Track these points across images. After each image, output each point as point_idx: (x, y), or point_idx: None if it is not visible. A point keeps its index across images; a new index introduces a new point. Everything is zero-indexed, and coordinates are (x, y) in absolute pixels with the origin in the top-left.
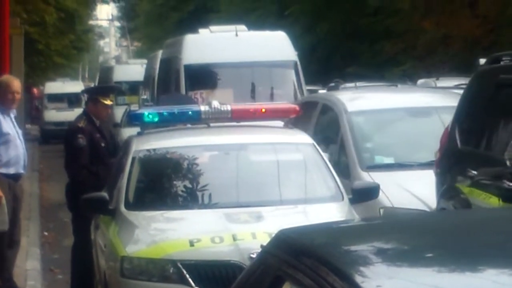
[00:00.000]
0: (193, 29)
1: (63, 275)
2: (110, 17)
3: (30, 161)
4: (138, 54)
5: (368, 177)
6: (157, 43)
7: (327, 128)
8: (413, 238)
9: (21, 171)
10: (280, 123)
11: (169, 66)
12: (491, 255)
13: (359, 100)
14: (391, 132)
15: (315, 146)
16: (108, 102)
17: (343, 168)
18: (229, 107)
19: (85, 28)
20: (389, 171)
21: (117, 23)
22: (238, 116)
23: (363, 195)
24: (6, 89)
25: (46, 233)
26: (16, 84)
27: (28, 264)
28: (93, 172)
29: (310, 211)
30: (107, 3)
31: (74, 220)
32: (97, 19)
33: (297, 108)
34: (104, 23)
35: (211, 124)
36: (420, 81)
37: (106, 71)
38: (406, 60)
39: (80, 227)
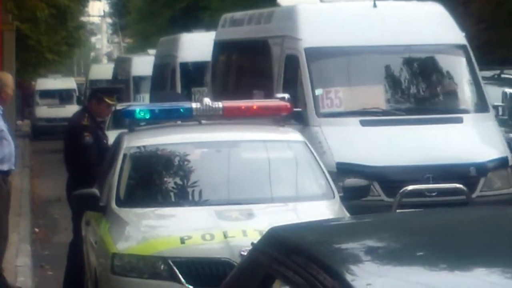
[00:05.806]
0: (186, 26)
1: (54, 271)
2: (102, 14)
3: (21, 157)
4: (130, 51)
5: None
6: (148, 40)
7: None
8: (404, 236)
9: (13, 167)
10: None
11: (262, 50)
12: (482, 254)
13: None
14: None
15: (306, 144)
16: (112, 102)
17: None
18: (220, 104)
19: (77, 24)
20: None
21: (108, 20)
22: (230, 114)
23: (354, 193)
24: (4, 86)
25: (36, 230)
26: (12, 80)
27: (19, 261)
28: (98, 170)
29: (300, 209)
30: None
31: (74, 218)
32: (89, 15)
33: (289, 105)
34: (96, 20)
35: (203, 121)
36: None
37: (123, 63)
38: None
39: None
